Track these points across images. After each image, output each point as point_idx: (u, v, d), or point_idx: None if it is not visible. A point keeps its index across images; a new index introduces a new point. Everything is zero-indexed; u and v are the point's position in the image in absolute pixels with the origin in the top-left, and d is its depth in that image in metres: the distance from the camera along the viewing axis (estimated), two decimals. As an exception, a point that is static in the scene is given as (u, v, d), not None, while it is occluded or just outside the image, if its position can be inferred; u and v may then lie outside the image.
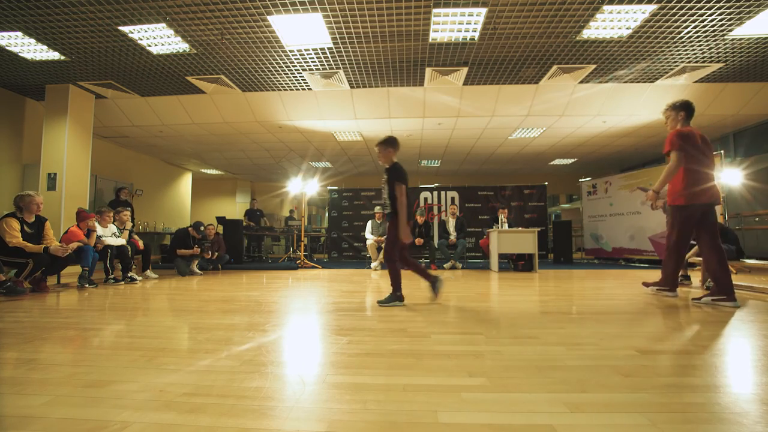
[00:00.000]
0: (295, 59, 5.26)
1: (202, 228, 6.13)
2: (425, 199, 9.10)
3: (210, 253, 6.39)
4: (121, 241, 5.01)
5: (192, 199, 12.04)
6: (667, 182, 3.16)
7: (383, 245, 3.21)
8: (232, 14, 4.20)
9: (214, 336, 2.05)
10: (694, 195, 3.05)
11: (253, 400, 1.22)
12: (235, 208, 13.37)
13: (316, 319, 2.52)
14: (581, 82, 6.01)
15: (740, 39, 4.74)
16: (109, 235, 4.93)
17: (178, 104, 6.73)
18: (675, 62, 5.38)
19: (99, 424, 1.07)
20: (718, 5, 4.05)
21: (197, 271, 6.09)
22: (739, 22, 4.35)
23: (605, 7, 4.09)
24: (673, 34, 4.66)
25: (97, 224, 4.74)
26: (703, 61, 5.35)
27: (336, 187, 9.73)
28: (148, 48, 4.89)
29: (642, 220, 7.64)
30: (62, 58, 5.13)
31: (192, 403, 1.21)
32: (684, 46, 4.94)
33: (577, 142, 8.72)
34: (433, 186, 9.19)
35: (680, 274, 4.37)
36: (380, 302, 3.07)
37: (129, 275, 4.91)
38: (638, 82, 6.04)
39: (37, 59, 5.18)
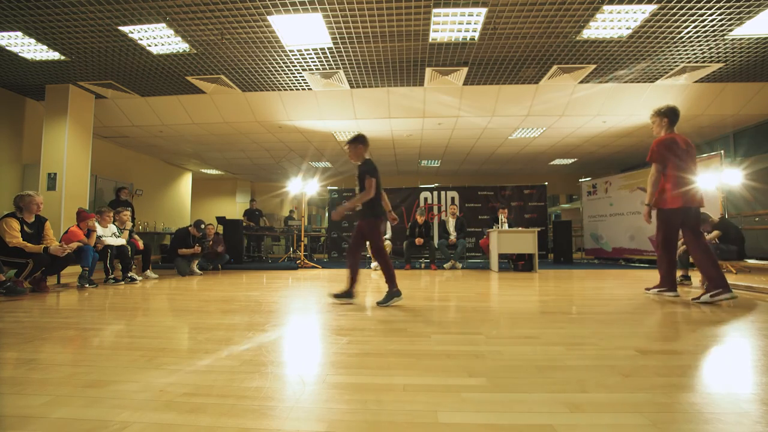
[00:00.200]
0: (295, 59, 5.26)
1: (202, 226, 6.13)
2: (425, 199, 9.10)
3: (212, 245, 6.39)
4: (121, 241, 5.01)
5: (192, 199, 12.04)
6: (653, 192, 3.32)
7: (371, 246, 3.20)
8: (232, 14, 4.20)
9: (214, 336, 2.05)
10: (674, 198, 3.20)
11: (253, 400, 1.22)
12: (235, 208, 13.37)
13: (316, 319, 2.52)
14: (581, 82, 6.01)
15: (740, 39, 4.74)
16: (109, 235, 4.93)
17: (178, 104, 6.73)
18: (675, 62, 5.38)
19: (99, 424, 1.07)
20: (718, 5, 4.05)
21: (197, 271, 6.09)
22: (739, 22, 4.35)
23: (605, 7, 4.09)
24: (673, 34, 4.66)
25: (97, 224, 4.74)
26: (703, 61, 5.35)
27: (336, 187, 9.73)
28: (148, 48, 4.89)
29: (642, 220, 7.61)
30: (62, 58, 5.13)
31: (192, 403, 1.21)
32: (684, 46, 4.94)
33: (577, 142, 8.72)
34: (433, 186, 9.19)
35: (680, 274, 4.38)
36: (379, 303, 3.07)
37: (129, 275, 4.91)
38: (638, 82, 6.04)
39: (37, 59, 5.18)
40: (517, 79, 5.93)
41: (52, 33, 4.56)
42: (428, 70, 5.60)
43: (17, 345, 1.89)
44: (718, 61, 5.36)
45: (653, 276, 3.72)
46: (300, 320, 2.51)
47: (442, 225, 7.76)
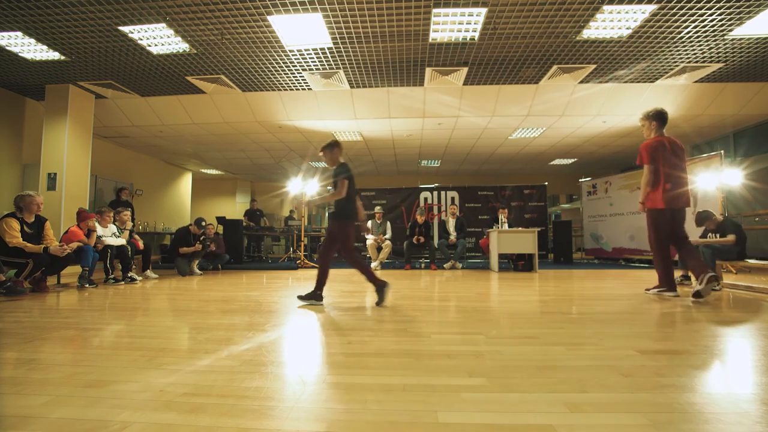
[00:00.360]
0: (295, 59, 5.26)
1: (203, 223, 6.14)
2: (425, 199, 9.10)
3: (211, 243, 6.39)
4: (121, 241, 5.01)
5: (192, 199, 12.04)
6: (647, 192, 3.44)
7: (340, 248, 3.18)
8: (232, 14, 4.20)
9: (214, 336, 2.05)
10: (659, 199, 3.34)
11: (253, 400, 1.22)
12: (235, 208, 13.37)
13: (316, 319, 2.52)
14: (581, 82, 6.01)
15: (740, 39, 4.74)
16: (109, 235, 4.93)
17: (178, 104, 6.73)
18: (675, 62, 5.38)
19: (99, 424, 1.07)
20: (718, 5, 4.05)
21: (197, 271, 6.09)
22: (739, 22, 4.35)
23: (605, 7, 4.09)
24: (673, 34, 4.66)
25: (97, 224, 4.74)
26: (703, 61, 5.35)
27: (336, 187, 9.70)
28: (148, 48, 4.89)
29: (642, 220, 7.54)
30: (62, 58, 5.13)
31: (192, 403, 1.21)
32: (684, 46, 4.94)
33: (577, 142, 8.72)
34: (433, 186, 9.18)
35: (680, 274, 4.38)
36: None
37: (129, 275, 4.91)
38: (638, 82, 6.04)
39: (37, 59, 5.18)
40: (517, 79, 5.93)
41: (52, 33, 4.56)
42: (428, 70, 5.60)
43: (17, 345, 1.89)
44: (718, 61, 5.36)
45: (653, 276, 3.72)
46: (300, 320, 2.51)
47: (442, 225, 7.76)
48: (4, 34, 4.55)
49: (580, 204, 9.78)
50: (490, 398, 1.23)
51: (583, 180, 9.34)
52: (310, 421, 1.09)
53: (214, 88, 6.24)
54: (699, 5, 4.06)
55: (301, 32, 4.55)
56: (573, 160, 10.60)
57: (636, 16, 4.24)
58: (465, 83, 6.04)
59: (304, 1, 3.97)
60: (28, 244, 3.83)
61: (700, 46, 4.92)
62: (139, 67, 5.43)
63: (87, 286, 4.23)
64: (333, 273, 6.19)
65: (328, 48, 4.95)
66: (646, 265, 7.36)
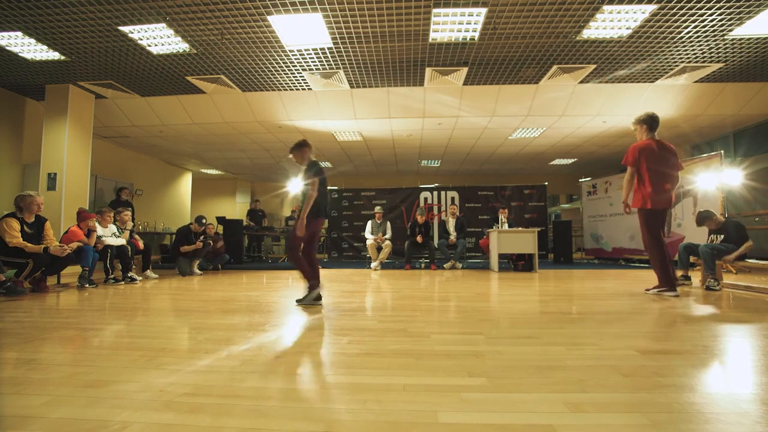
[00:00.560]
0: (295, 59, 5.26)
1: (204, 221, 6.16)
2: (425, 199, 9.10)
3: (212, 243, 6.40)
4: (121, 241, 5.01)
5: (192, 199, 12.04)
6: (627, 192, 3.64)
7: (290, 239, 3.17)
8: (232, 14, 4.20)
9: (214, 336, 2.05)
10: (647, 200, 3.50)
11: (253, 400, 1.22)
12: (235, 208, 13.37)
13: (315, 319, 2.52)
14: (581, 82, 6.01)
15: (740, 39, 4.74)
16: (109, 235, 4.93)
17: (178, 104, 6.73)
18: (675, 62, 5.38)
19: (99, 424, 1.07)
20: (718, 5, 4.05)
21: (197, 271, 6.09)
22: (739, 22, 4.35)
23: (605, 7, 4.09)
24: (673, 34, 4.66)
25: (97, 224, 4.74)
26: (703, 61, 5.35)
27: (336, 187, 9.72)
28: (148, 48, 4.89)
29: (642, 220, 7.62)
30: (62, 58, 5.13)
31: (192, 403, 1.21)
32: (684, 46, 4.94)
33: (577, 142, 8.72)
34: (433, 186, 9.18)
35: (680, 274, 4.38)
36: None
37: (129, 275, 4.91)
38: (638, 82, 6.04)
39: (37, 59, 5.18)
40: (517, 79, 5.93)
41: (52, 33, 4.56)
42: (428, 70, 5.60)
43: (17, 345, 1.89)
44: (718, 61, 5.36)
45: (653, 276, 3.73)
46: (300, 320, 2.51)
47: (442, 225, 7.76)
48: (4, 34, 4.55)
49: (580, 204, 9.78)
50: (490, 398, 1.23)
51: (583, 180, 9.34)
52: (310, 421, 1.09)
53: (214, 88, 6.24)
54: (699, 5, 4.06)
55: (301, 32, 4.55)
56: (573, 160, 10.60)
57: (636, 16, 4.24)
58: (465, 83, 6.04)
59: (304, 1, 3.97)
60: (28, 244, 3.83)
61: (700, 46, 4.92)
62: (139, 67, 5.43)
63: (87, 286, 4.23)
64: (333, 273, 6.20)
65: (328, 48, 4.95)
66: (646, 265, 7.36)
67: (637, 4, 4.02)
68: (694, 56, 5.20)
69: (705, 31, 4.58)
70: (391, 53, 5.10)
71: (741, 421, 1.07)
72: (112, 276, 4.75)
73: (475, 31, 4.56)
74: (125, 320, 2.53)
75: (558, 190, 13.24)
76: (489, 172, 12.28)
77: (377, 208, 7.53)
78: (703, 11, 4.17)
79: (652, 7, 4.09)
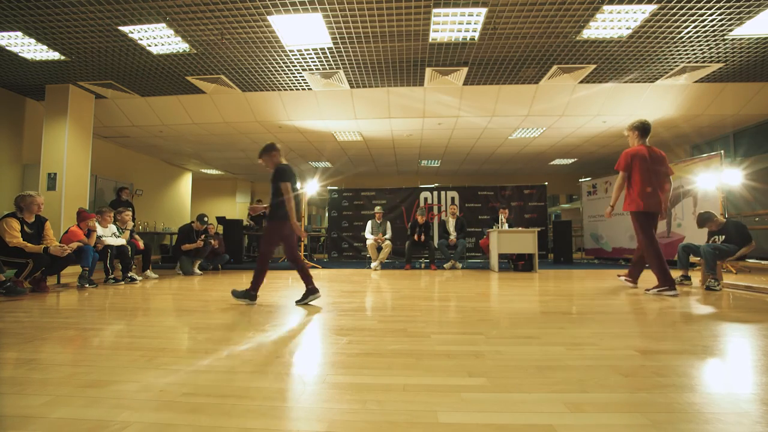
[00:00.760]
0: (295, 59, 5.26)
1: (206, 219, 6.16)
2: (425, 199, 9.10)
3: (213, 241, 6.40)
4: (121, 241, 5.01)
5: (192, 199, 12.04)
6: (617, 196, 3.78)
7: (259, 247, 3.21)
8: (232, 14, 4.20)
9: (214, 336, 2.05)
10: (638, 202, 3.66)
11: (253, 400, 1.22)
12: (235, 208, 13.37)
13: (316, 319, 2.52)
14: (581, 82, 6.01)
15: (740, 39, 4.74)
16: (109, 235, 4.93)
17: (178, 104, 6.73)
18: (675, 62, 5.38)
19: (99, 424, 1.07)
20: (718, 5, 4.05)
21: (197, 271, 6.09)
22: (739, 22, 4.35)
23: (605, 7, 4.09)
24: (673, 34, 4.66)
25: (97, 224, 4.74)
26: (703, 61, 5.35)
27: (336, 187, 9.73)
28: (148, 48, 4.89)
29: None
30: (62, 58, 5.13)
31: (192, 403, 1.21)
32: (684, 46, 4.94)
33: (577, 142, 8.71)
34: (433, 186, 9.18)
35: (680, 274, 4.38)
36: (234, 292, 3.13)
37: (129, 275, 4.91)
38: (638, 82, 6.04)
39: (37, 59, 5.18)
40: (517, 79, 5.93)
41: (52, 33, 4.56)
42: (428, 70, 5.60)
43: (17, 345, 1.89)
44: (718, 61, 5.36)
45: (653, 276, 3.73)
46: (300, 320, 2.51)
47: (442, 225, 7.76)
48: (4, 34, 4.55)
49: (580, 204, 9.78)
50: (490, 398, 1.23)
51: (583, 180, 9.34)
52: (310, 421, 1.09)
53: (214, 88, 6.24)
54: (699, 5, 4.06)
55: (301, 32, 4.55)
56: (573, 160, 10.60)
57: (636, 16, 4.24)
58: (465, 83, 6.04)
59: (304, 1, 3.97)
60: (29, 244, 3.83)
61: (700, 46, 4.92)
62: (139, 67, 5.43)
63: (87, 286, 4.23)
64: (333, 273, 6.21)
65: (328, 48, 4.95)
66: (646, 266, 7.35)
67: (637, 4, 4.02)
68: (694, 56, 5.20)
69: (705, 31, 4.58)
70: (391, 53, 5.10)
71: (741, 421, 1.07)
72: (112, 276, 4.75)
73: (475, 31, 4.56)
74: (125, 320, 2.53)
75: (558, 190, 13.24)
76: (489, 172, 12.28)
77: (377, 208, 7.53)
78: (703, 11, 4.17)
79: (652, 7, 4.09)
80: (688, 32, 4.60)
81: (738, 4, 4.02)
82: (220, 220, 8.58)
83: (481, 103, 6.62)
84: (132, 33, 4.53)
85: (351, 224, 9.21)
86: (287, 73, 5.72)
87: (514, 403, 1.20)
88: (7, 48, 4.87)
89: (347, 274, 6.07)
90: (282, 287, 4.33)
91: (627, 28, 4.51)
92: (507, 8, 4.13)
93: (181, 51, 4.98)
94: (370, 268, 7.03)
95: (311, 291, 3.09)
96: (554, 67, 5.52)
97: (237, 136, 8.02)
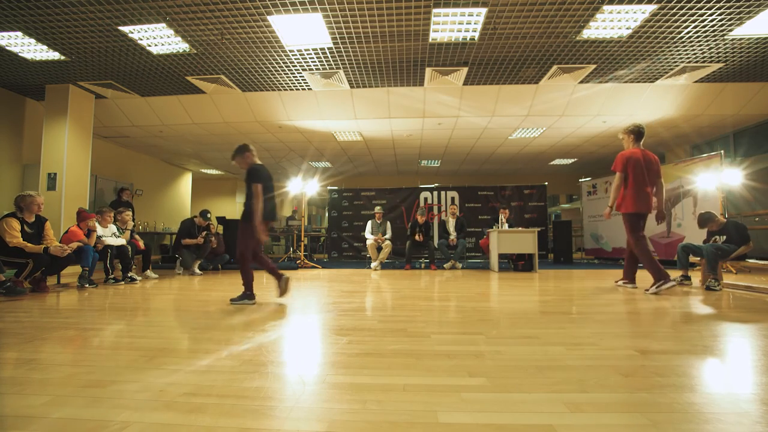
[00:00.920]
0: (295, 59, 5.26)
1: (208, 215, 6.16)
2: (425, 199, 9.10)
3: (213, 239, 6.39)
4: (121, 241, 5.01)
5: (192, 199, 12.05)
6: (615, 197, 3.92)
7: (237, 248, 3.28)
8: (232, 14, 4.20)
9: (214, 336, 2.05)
10: (631, 203, 3.81)
11: (253, 400, 1.22)
12: (235, 208, 13.37)
13: (316, 319, 2.52)
14: (581, 82, 6.01)
15: (740, 39, 4.74)
16: (109, 235, 4.93)
17: (178, 104, 6.73)
18: (675, 62, 5.38)
19: (99, 424, 1.07)
20: (718, 5, 4.05)
21: (197, 271, 6.09)
22: (739, 22, 4.35)
23: (605, 7, 4.09)
24: (673, 34, 4.66)
25: (97, 224, 4.74)
26: (703, 61, 5.35)
27: (336, 187, 9.73)
28: (148, 48, 4.89)
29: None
30: (62, 58, 5.13)
31: (192, 403, 1.21)
32: (684, 46, 4.94)
33: (577, 142, 8.72)
34: (433, 186, 9.18)
35: (680, 274, 4.38)
36: (232, 300, 3.17)
37: (129, 275, 4.91)
38: (638, 82, 6.04)
39: (37, 59, 5.18)
40: (517, 79, 5.93)
41: (52, 33, 4.56)
42: (428, 70, 5.60)
43: (17, 345, 1.89)
44: (718, 61, 5.36)
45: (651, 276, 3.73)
46: (300, 320, 2.51)
47: (442, 225, 7.76)
48: (4, 34, 4.55)
49: (580, 204, 9.78)
50: (490, 398, 1.24)
51: (583, 180, 9.34)
52: (310, 421, 1.09)
53: (214, 88, 6.24)
54: (699, 5, 4.06)
55: (301, 32, 4.55)
56: (573, 160, 10.60)
57: (636, 16, 4.24)
58: (465, 83, 6.04)
59: (304, 1, 3.97)
60: (29, 244, 3.83)
61: (700, 46, 4.92)
62: (139, 67, 5.43)
63: (87, 286, 4.23)
64: (333, 273, 6.20)
65: (328, 48, 4.95)
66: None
67: (637, 4, 4.02)
68: (694, 56, 5.20)
69: (705, 31, 4.58)
70: (391, 53, 5.10)
71: (741, 421, 1.07)
72: (112, 276, 4.75)
73: (475, 31, 4.56)
74: (125, 320, 2.53)
75: (558, 190, 13.24)
76: (489, 172, 12.28)
77: (377, 208, 7.53)
78: (703, 11, 4.17)
79: (652, 7, 4.09)
80: (688, 32, 4.61)
81: (738, 4, 4.02)
82: (220, 220, 8.57)
83: (481, 103, 6.62)
84: (132, 33, 4.53)
85: (351, 224, 9.21)
86: (287, 73, 5.72)
87: (514, 403, 1.20)
88: (7, 48, 4.87)
89: (347, 274, 6.07)
90: (282, 287, 4.32)
91: (627, 28, 4.51)
92: (507, 8, 4.13)
93: (181, 51, 4.98)
94: (370, 268, 7.03)
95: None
96: (554, 67, 5.52)
97: (237, 136, 8.02)
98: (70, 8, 4.05)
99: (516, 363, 1.58)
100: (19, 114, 6.37)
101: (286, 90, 6.34)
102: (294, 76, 5.82)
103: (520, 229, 6.56)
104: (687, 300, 3.24)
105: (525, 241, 6.28)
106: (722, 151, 6.41)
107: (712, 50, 5.04)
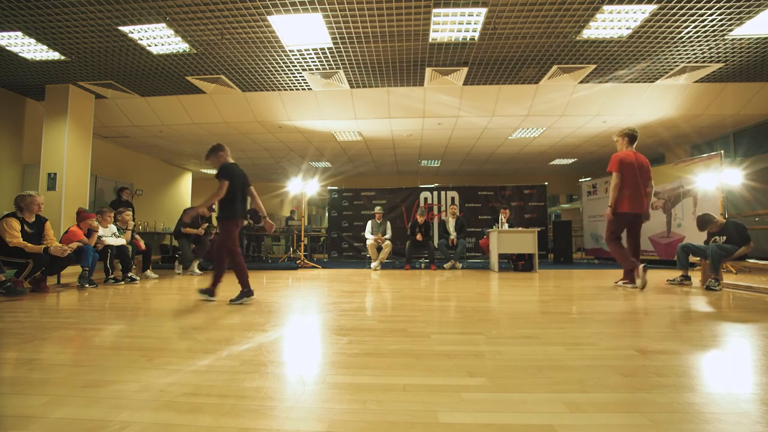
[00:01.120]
0: (295, 59, 5.26)
1: (213, 206, 6.14)
2: (425, 199, 9.10)
3: (213, 234, 6.38)
4: (122, 241, 5.01)
5: (192, 199, 12.05)
6: (614, 197, 4.02)
7: (216, 245, 3.37)
8: (232, 14, 4.20)
9: (214, 336, 2.05)
10: (624, 203, 3.96)
11: (253, 400, 1.22)
12: (235, 208, 13.35)
13: (316, 319, 2.52)
14: (581, 82, 6.01)
15: (740, 39, 4.74)
16: (110, 235, 4.93)
17: (178, 104, 6.73)
18: (675, 62, 5.38)
19: (99, 424, 1.07)
20: (718, 5, 4.05)
21: (197, 271, 6.09)
22: (739, 22, 4.35)
23: (605, 7, 4.09)
24: (673, 34, 4.66)
25: (97, 224, 4.74)
26: (703, 61, 5.35)
27: (336, 187, 9.73)
28: (148, 48, 4.89)
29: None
30: (62, 58, 5.13)
31: (192, 403, 1.21)
32: (684, 46, 4.94)
33: (577, 142, 8.72)
34: (433, 186, 9.18)
35: (681, 274, 4.38)
36: (231, 301, 3.17)
37: (129, 275, 4.91)
38: (638, 82, 6.04)
39: (37, 59, 5.18)
40: (517, 79, 5.93)
41: (52, 33, 4.56)
42: (428, 70, 5.60)
43: (17, 345, 1.89)
44: (718, 61, 5.36)
45: (653, 276, 3.73)
46: (300, 320, 2.51)
47: (442, 225, 7.76)
48: (4, 34, 4.55)
49: (580, 204, 9.78)
50: (490, 398, 1.23)
51: (583, 180, 9.34)
52: (310, 421, 1.09)
53: (214, 88, 6.24)
54: (699, 5, 4.06)
55: (301, 32, 4.55)
56: (573, 160, 10.60)
57: (636, 16, 4.24)
58: (465, 83, 6.04)
59: (304, 1, 3.97)
60: (29, 244, 3.83)
61: (700, 46, 4.92)
62: (139, 67, 5.43)
63: (87, 286, 4.23)
64: (333, 273, 6.20)
65: (328, 48, 4.95)
66: (649, 266, 7.34)
67: (637, 4, 4.02)
68: (694, 56, 5.20)
69: (705, 31, 4.58)
70: (391, 53, 5.10)
71: (741, 421, 1.07)
72: (112, 276, 4.75)
73: (475, 31, 4.56)
74: (125, 320, 2.53)
75: (558, 190, 13.24)
76: (489, 172, 12.28)
77: (377, 208, 7.52)
78: (703, 11, 4.17)
79: (652, 7, 4.09)
80: (688, 32, 4.60)
81: (738, 4, 4.02)
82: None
83: (481, 103, 6.62)
84: (132, 33, 4.53)
85: (351, 224, 9.21)
86: (287, 73, 5.72)
87: (514, 403, 1.20)
88: (7, 48, 4.87)
89: (347, 274, 6.07)
90: (281, 287, 4.33)
91: (627, 28, 4.51)
92: (507, 8, 4.13)
93: (181, 51, 4.98)
94: (370, 268, 7.03)
95: (210, 292, 3.23)
96: (554, 67, 5.52)
97: (237, 136, 8.02)
98: (70, 8, 4.05)
99: (516, 363, 1.58)
100: (19, 114, 6.37)
101: (286, 90, 6.34)
102: (294, 76, 5.82)
103: (520, 229, 6.56)
104: (687, 300, 3.24)
105: (525, 241, 6.28)
106: (722, 151, 6.41)
107: (712, 50, 5.04)
